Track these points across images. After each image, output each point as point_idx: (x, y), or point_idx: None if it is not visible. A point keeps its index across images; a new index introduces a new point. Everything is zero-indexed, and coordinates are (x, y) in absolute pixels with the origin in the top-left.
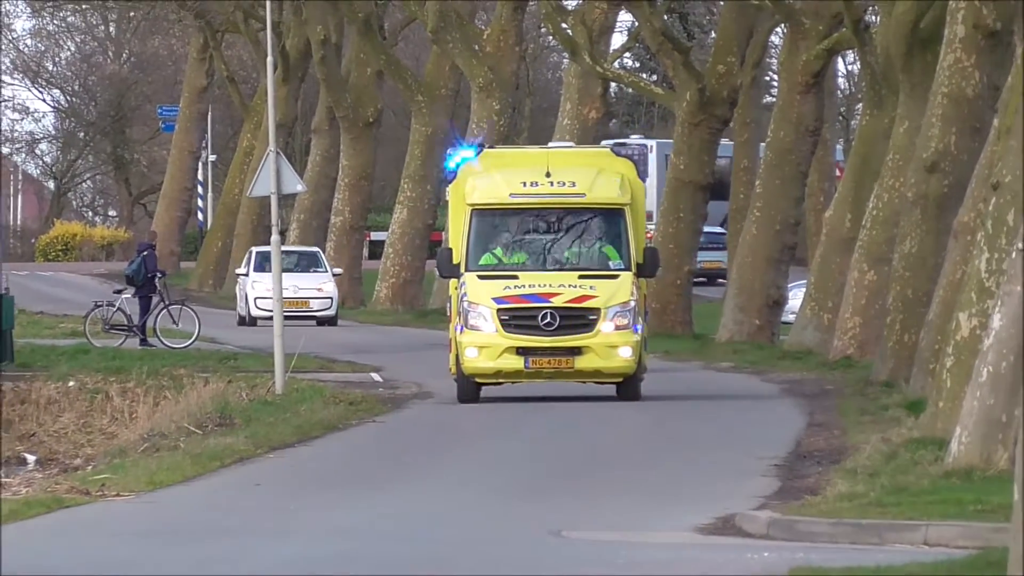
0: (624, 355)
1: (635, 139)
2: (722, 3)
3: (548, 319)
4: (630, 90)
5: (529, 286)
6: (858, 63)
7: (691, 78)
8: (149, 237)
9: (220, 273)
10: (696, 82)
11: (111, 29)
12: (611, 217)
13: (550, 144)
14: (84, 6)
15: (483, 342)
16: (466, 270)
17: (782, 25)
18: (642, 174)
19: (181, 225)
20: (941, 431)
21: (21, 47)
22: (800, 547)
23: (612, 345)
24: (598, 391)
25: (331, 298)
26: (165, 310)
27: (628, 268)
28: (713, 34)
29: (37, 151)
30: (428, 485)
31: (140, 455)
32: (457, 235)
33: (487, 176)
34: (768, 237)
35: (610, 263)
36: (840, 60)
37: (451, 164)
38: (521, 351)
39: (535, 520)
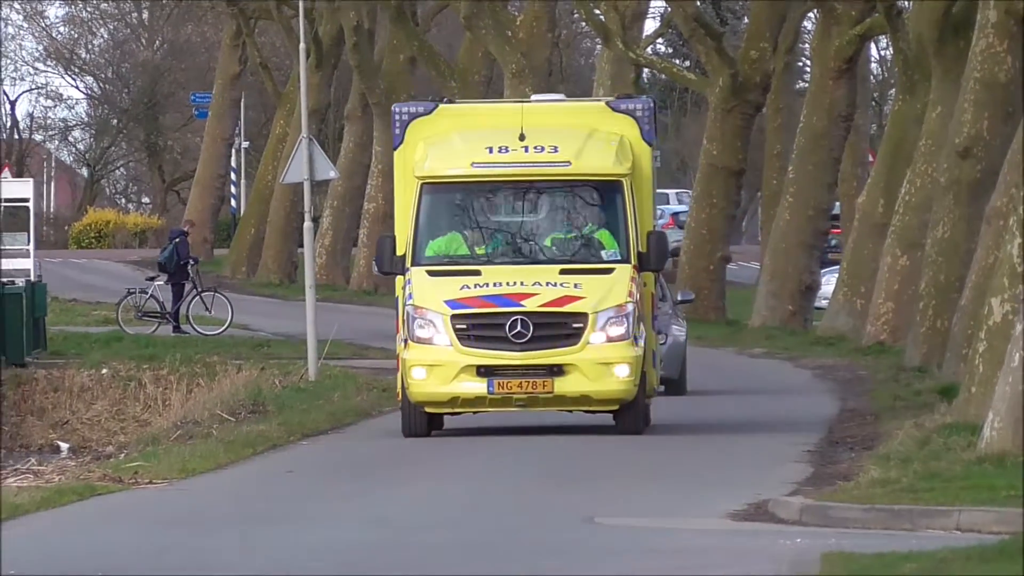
0: (620, 375)
1: None
2: None
3: (519, 328)
4: (663, 76)
5: (494, 285)
6: (891, 48)
7: (724, 64)
8: (186, 225)
9: (253, 260)
10: (729, 68)
11: (144, 16)
12: (605, 192)
13: (533, 97)
14: None
15: (433, 359)
16: (413, 264)
17: (814, 10)
18: (648, 135)
19: (214, 212)
20: (974, 416)
21: (54, 34)
22: (832, 533)
23: (604, 362)
24: (592, 421)
25: None
26: (198, 297)
27: (627, 259)
28: (745, 20)
29: (70, 138)
30: (460, 473)
31: (173, 442)
32: (404, 218)
33: (444, 140)
34: (801, 223)
35: (603, 253)
36: (872, 45)
37: (397, 124)
38: (484, 371)
39: (568, 507)
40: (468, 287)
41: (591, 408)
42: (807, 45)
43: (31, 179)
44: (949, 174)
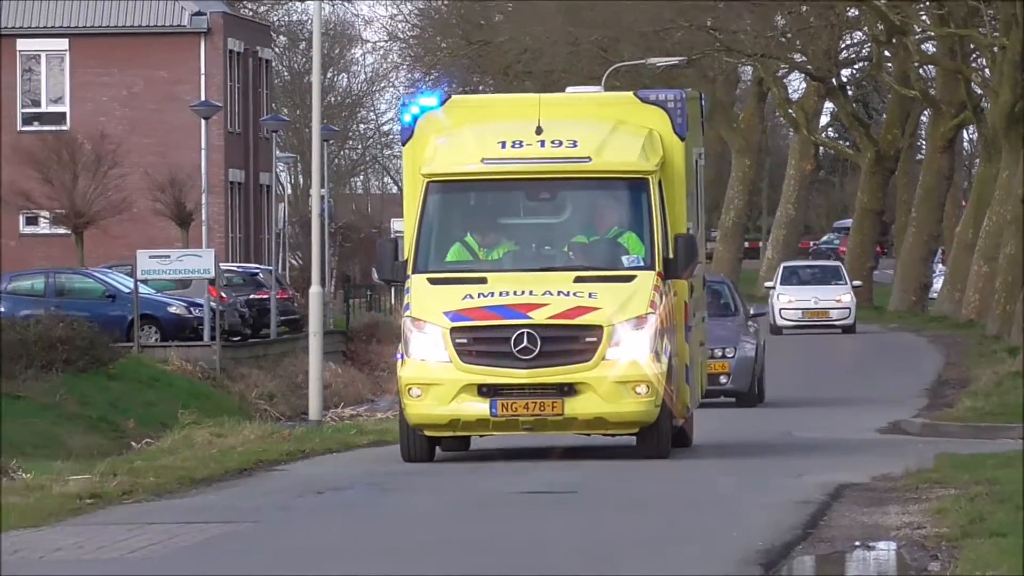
0: (639, 394)
1: None
2: (890, 95)
3: (525, 343)
4: (832, 151)
5: (500, 294)
6: (977, 133)
7: (870, 143)
8: None
9: None
10: (874, 145)
11: None
12: (629, 191)
13: (568, 89)
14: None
15: (431, 378)
16: (414, 271)
17: (928, 109)
18: (681, 129)
19: None
20: None
21: None
22: (942, 441)
23: (621, 380)
24: (615, 440)
25: (849, 308)
26: None
27: (651, 266)
28: (884, 115)
29: None
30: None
31: None
32: (411, 219)
33: (454, 134)
34: (920, 245)
35: (624, 258)
36: (965, 131)
37: (406, 117)
38: (486, 391)
39: (773, 426)
40: (471, 296)
41: (607, 431)
42: (923, 131)
43: None
44: (1013, 213)
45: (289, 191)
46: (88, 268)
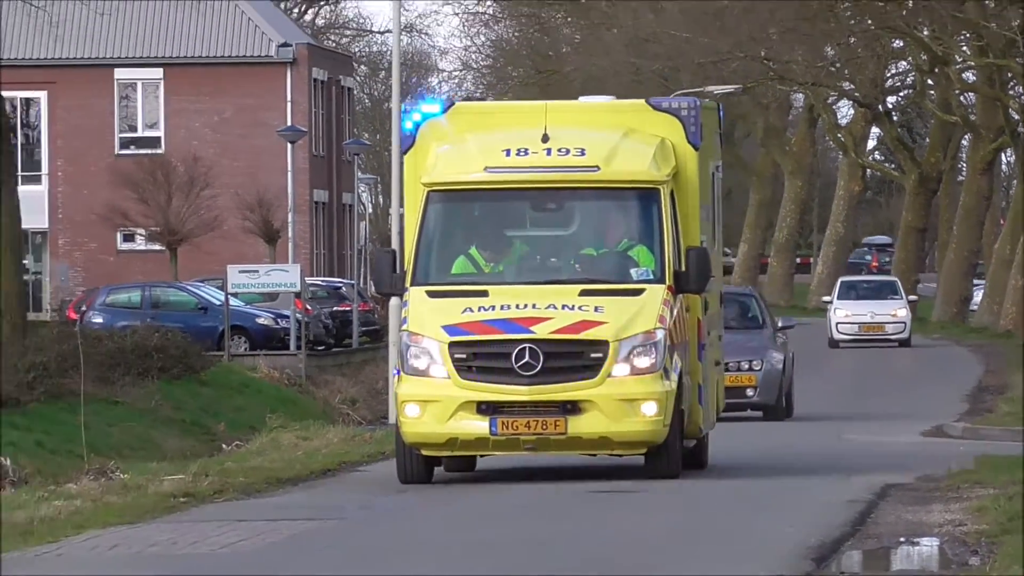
0: (646, 413)
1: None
2: (932, 121)
3: (527, 359)
4: (878, 172)
5: (502, 307)
6: (1014, 155)
7: (914, 166)
8: None
9: None
10: (917, 168)
11: None
12: (639, 201)
13: (580, 99)
14: None
15: (428, 394)
16: (412, 283)
17: (968, 133)
18: (694, 138)
19: None
20: None
21: None
22: (982, 444)
23: (627, 398)
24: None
25: (904, 322)
26: None
27: (661, 279)
28: (927, 139)
29: None
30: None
31: None
32: (410, 230)
33: (457, 142)
34: (961, 260)
35: (632, 271)
36: (1003, 154)
37: (408, 124)
38: (486, 408)
39: (827, 431)
40: (471, 310)
41: (612, 451)
42: (964, 154)
43: None
44: None
45: (370, 210)
46: (182, 282)
